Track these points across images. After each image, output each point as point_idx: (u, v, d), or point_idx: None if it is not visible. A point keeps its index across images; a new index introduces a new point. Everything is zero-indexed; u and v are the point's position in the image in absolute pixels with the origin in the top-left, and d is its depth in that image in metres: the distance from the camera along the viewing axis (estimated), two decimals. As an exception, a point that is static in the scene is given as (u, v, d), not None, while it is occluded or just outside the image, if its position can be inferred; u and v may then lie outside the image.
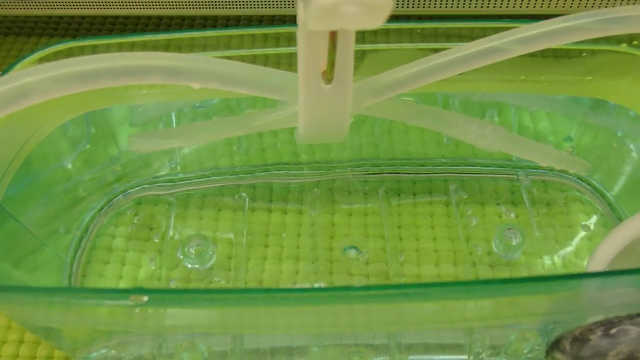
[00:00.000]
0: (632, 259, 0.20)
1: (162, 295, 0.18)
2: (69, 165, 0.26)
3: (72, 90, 0.19)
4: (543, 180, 0.29)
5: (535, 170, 0.29)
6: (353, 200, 0.29)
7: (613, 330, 0.18)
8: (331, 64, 0.18)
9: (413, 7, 0.34)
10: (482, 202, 0.29)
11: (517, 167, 0.29)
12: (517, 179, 0.29)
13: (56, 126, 0.25)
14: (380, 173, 0.30)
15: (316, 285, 0.26)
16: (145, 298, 0.17)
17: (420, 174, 0.30)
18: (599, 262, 0.20)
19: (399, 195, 0.29)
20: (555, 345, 0.19)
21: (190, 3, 0.36)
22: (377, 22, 0.15)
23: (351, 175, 0.30)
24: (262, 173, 0.30)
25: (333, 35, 0.17)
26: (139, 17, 0.40)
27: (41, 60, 0.23)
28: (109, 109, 0.26)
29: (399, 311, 0.21)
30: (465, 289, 0.17)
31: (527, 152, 0.26)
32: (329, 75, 0.19)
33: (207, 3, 0.36)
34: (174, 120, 0.30)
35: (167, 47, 0.27)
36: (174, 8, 0.37)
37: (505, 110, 0.30)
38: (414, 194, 0.29)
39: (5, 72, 0.22)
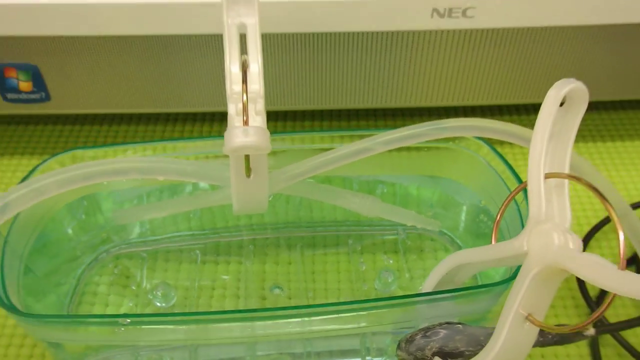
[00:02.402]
0: (450, 285, 0.31)
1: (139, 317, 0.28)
2: (70, 231, 0.36)
3: (77, 186, 0.29)
4: (419, 234, 0.40)
5: (410, 227, 0.40)
6: (279, 252, 0.39)
7: (429, 333, 0.28)
8: (248, 168, 0.29)
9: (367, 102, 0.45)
10: (373, 252, 0.39)
11: (399, 226, 0.40)
12: (397, 234, 0.40)
13: (63, 204, 0.35)
14: (300, 234, 0.40)
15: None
16: (128, 320, 0.27)
17: (330, 233, 0.40)
18: (428, 288, 0.30)
19: (314, 247, 0.40)
20: (398, 346, 0.30)
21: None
22: (265, 151, 0.26)
23: (279, 235, 0.40)
24: (212, 235, 0.40)
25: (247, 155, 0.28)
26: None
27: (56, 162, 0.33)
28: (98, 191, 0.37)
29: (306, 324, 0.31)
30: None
31: (396, 216, 0.36)
32: (247, 173, 0.29)
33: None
34: (144, 198, 0.40)
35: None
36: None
37: (394, 184, 0.41)
38: (325, 247, 0.40)
39: (26, 177, 0.31)
